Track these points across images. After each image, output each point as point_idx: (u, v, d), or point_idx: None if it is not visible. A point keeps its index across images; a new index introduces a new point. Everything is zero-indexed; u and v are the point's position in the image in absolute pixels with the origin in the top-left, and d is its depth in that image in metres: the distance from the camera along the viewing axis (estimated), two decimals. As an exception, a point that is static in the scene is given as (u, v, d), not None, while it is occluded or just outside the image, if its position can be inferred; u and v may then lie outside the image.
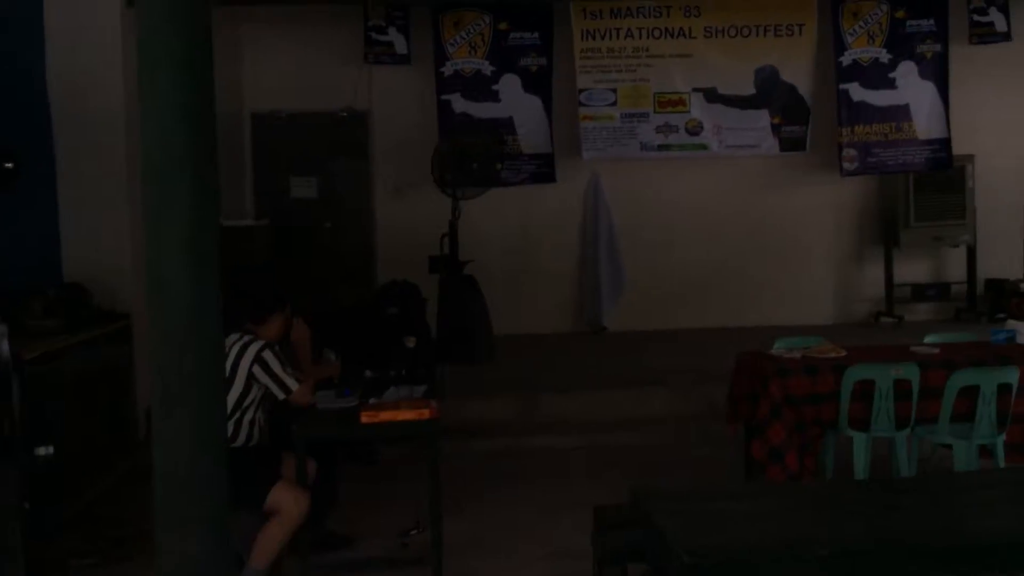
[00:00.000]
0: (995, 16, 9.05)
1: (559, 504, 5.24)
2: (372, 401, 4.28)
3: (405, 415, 3.97)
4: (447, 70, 8.88)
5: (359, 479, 5.60)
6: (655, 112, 8.83)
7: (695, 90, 8.84)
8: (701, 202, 9.28)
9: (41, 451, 3.27)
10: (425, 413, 3.99)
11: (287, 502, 3.94)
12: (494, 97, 8.90)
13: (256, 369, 4.13)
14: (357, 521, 4.96)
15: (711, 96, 8.86)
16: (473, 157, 8.27)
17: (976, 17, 9.05)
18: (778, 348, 5.35)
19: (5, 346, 3.18)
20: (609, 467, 5.91)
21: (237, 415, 4.12)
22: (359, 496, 5.25)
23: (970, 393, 4.77)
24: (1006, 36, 9.08)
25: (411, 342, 4.96)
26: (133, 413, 6.18)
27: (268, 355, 4.17)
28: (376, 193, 9.35)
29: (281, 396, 4.18)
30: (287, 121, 9.29)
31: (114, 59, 6.19)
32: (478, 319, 8.07)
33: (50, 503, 4.07)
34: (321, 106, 9.12)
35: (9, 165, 3.25)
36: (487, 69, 8.88)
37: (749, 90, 8.89)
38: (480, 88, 8.88)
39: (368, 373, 4.83)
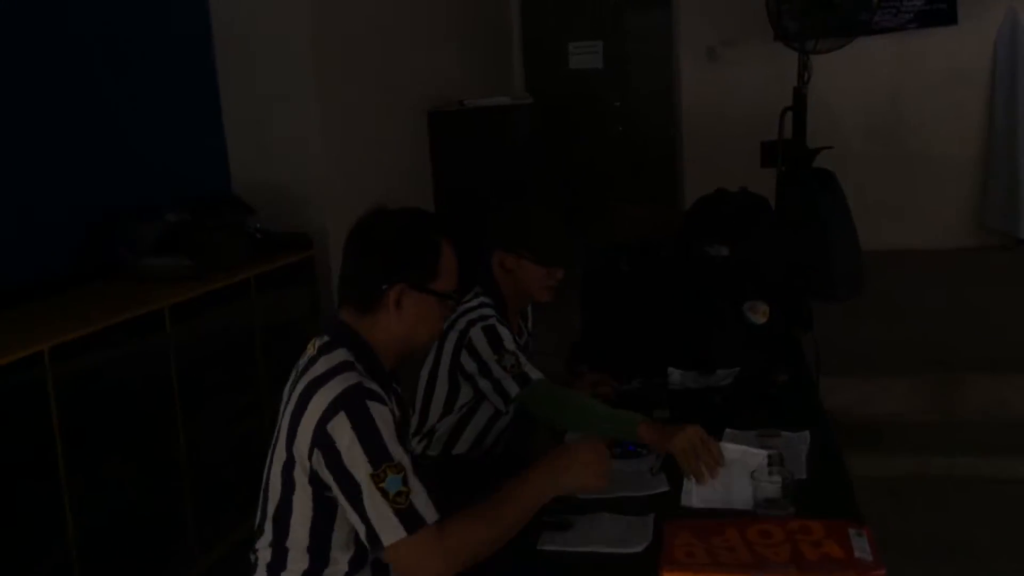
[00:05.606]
0: None
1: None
2: (696, 497, 1.76)
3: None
4: None
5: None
6: None
7: None
8: None
9: None
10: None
11: None
12: None
13: (465, 357, 2.30)
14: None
15: None
16: (834, -11, 5.50)
17: None
18: None
19: None
20: None
21: None
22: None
23: None
24: None
25: (761, 314, 2.46)
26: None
27: (476, 333, 2.29)
28: (683, 57, 7.14)
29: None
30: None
31: None
32: (839, 233, 5.40)
33: None
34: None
35: None
36: None
37: None
38: None
39: (675, 376, 2.42)
